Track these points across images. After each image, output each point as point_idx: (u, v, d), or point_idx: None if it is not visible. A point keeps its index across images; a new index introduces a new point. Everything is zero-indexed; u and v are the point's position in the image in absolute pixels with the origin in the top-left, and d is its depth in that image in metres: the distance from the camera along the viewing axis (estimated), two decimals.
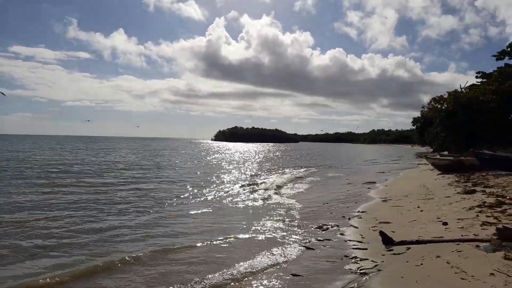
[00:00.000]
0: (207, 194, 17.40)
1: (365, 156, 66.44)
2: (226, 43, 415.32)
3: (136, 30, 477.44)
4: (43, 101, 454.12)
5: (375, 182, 21.21)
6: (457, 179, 17.76)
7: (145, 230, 10.25)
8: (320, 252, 7.87)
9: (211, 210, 13.56)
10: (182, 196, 16.52)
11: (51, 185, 18.64)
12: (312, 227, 10.44)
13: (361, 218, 11.17)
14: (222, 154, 64.26)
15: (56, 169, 26.78)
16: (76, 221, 10.99)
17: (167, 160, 43.50)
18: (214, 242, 8.90)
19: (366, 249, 7.78)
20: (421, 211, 11.18)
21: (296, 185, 21.88)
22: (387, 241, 7.91)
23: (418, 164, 36.10)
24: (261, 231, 10.21)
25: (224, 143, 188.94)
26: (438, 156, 32.37)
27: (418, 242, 7.66)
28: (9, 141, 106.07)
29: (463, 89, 45.02)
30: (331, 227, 10.21)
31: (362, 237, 8.71)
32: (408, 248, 7.38)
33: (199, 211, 13.28)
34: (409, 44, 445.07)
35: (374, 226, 9.71)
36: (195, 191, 18.36)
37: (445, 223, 9.02)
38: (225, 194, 17.70)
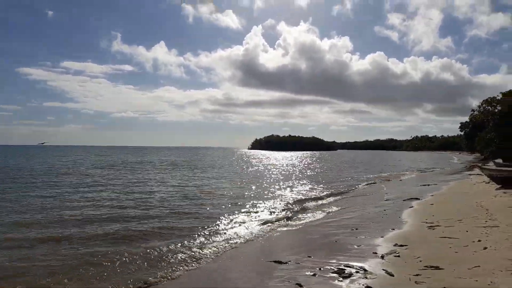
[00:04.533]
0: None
1: (407, 164, 61.55)
2: (263, 51, 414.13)
3: (176, 42, 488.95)
4: (91, 113, 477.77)
5: (418, 199, 17.86)
6: None
7: None
8: None
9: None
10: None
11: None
12: (330, 269, 7.68)
13: (398, 256, 8.23)
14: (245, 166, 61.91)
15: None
16: None
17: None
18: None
19: None
20: (485, 248, 8.06)
21: (323, 202, 18.99)
22: None
23: (469, 174, 31.81)
24: (263, 272, 7.62)
25: (260, 151, 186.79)
26: (492, 165, 28.15)
27: None
28: (64, 152, 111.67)
29: None
30: (356, 272, 7.38)
31: None
32: None
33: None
34: (455, 45, 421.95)
35: (417, 275, 6.79)
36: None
37: None
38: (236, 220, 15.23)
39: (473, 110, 61.77)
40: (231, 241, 10.96)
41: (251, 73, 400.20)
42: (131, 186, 24.47)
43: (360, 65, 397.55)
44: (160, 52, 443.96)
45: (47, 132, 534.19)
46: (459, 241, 8.92)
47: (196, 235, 11.53)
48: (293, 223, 13.68)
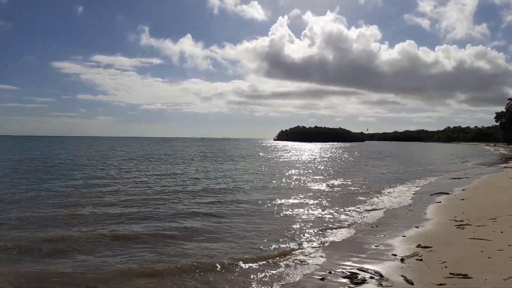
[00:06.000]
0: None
1: (437, 156, 58.99)
2: (289, 42, 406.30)
3: (202, 34, 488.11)
4: (122, 105, 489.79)
5: (447, 193, 16.61)
6: None
7: None
8: None
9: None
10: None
11: None
12: (341, 272, 6.88)
13: (421, 259, 7.29)
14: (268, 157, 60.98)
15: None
16: None
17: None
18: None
19: None
20: None
21: (346, 197, 17.92)
22: None
23: (504, 167, 29.78)
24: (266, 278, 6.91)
25: (286, 142, 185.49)
26: None
27: None
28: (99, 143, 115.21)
29: None
30: (370, 277, 6.53)
31: None
32: None
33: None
34: (491, 32, 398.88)
35: (441, 284, 5.88)
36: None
37: None
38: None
39: (510, 99, 58.31)
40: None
41: (277, 64, 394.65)
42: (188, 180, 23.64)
43: (389, 54, 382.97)
44: (187, 44, 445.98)
45: (80, 124, 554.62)
46: (492, 243, 7.87)
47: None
48: (310, 220, 12.80)
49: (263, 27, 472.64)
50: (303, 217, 12.41)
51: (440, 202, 14.33)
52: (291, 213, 12.95)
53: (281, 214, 12.81)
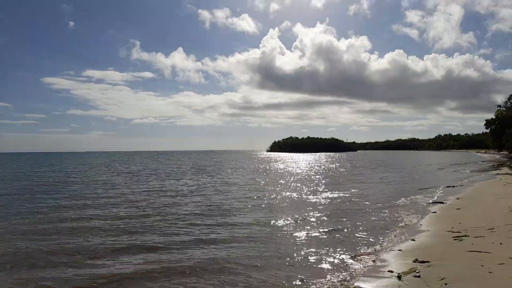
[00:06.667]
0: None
1: (431, 165, 59.02)
2: (280, 54, 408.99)
3: (194, 47, 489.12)
4: (114, 120, 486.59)
5: (442, 202, 16.33)
6: None
7: None
8: None
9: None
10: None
11: None
12: None
13: (418, 276, 6.90)
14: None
15: None
16: None
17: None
18: None
19: None
20: None
21: (338, 206, 17.52)
22: None
23: (498, 174, 29.66)
24: None
25: (279, 153, 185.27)
26: None
27: None
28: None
29: None
30: None
31: None
32: None
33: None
34: (478, 41, 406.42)
35: None
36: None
37: None
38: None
39: (499, 106, 58.91)
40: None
41: (268, 76, 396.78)
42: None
43: (379, 64, 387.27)
44: (179, 58, 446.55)
45: (72, 139, 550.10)
46: (492, 256, 7.51)
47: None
48: (299, 236, 12.35)
49: (254, 40, 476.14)
50: (305, 239, 11.05)
51: (435, 212, 14.01)
52: (292, 235, 11.54)
53: (281, 237, 11.34)
